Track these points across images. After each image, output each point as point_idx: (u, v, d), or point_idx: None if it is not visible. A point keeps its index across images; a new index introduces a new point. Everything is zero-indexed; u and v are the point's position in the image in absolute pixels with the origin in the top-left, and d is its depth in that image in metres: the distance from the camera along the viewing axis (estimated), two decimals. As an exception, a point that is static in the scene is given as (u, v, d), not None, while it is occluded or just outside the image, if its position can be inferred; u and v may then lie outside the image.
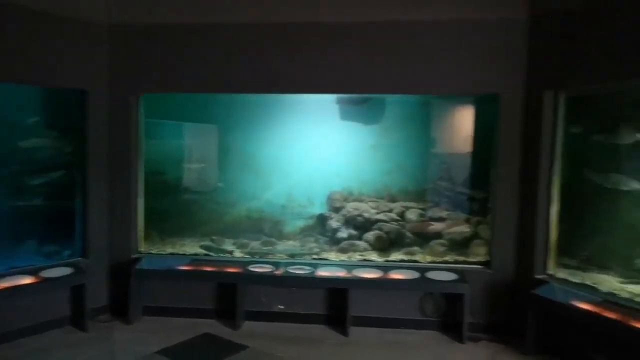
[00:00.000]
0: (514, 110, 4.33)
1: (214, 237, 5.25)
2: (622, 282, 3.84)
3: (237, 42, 4.54)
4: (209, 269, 4.51)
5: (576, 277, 4.01)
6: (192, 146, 6.12)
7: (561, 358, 3.85)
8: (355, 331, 4.33)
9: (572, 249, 4.33)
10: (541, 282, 4.05)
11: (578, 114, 4.33)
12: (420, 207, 5.49)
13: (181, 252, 4.86)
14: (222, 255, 4.90)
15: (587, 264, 4.17)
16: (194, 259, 4.68)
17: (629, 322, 3.18)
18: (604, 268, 4.15)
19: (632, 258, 3.86)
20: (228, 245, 5.13)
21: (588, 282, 3.89)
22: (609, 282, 3.84)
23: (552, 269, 4.18)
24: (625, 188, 4.01)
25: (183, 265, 4.56)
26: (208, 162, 6.18)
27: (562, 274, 4.12)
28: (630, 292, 3.60)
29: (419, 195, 5.75)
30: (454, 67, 4.35)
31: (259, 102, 5.41)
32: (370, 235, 5.13)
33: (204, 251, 4.94)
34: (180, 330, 4.29)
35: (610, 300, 3.54)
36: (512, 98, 4.32)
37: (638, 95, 4.10)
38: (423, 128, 5.74)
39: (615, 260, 4.11)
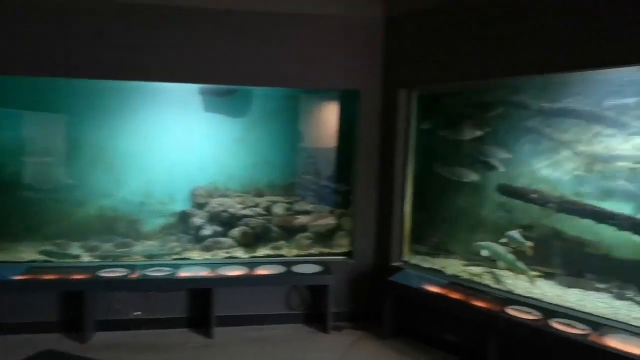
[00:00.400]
0: (373, 106, 4.51)
1: (57, 241, 4.65)
2: (465, 265, 4.22)
3: (85, 21, 4.04)
4: (49, 277, 3.96)
5: (426, 263, 4.32)
6: (34, 138, 5.34)
7: (415, 339, 4.12)
8: (220, 332, 4.17)
9: (423, 237, 4.68)
10: (397, 269, 4.29)
11: (428, 111, 4.67)
12: (287, 201, 5.49)
13: (14, 260, 4.21)
14: (67, 260, 4.35)
15: (436, 250, 4.53)
16: (31, 267, 4.09)
17: (471, 301, 3.49)
18: (450, 253, 4.54)
19: (472, 242, 4.26)
20: (75, 249, 4.58)
21: (437, 267, 4.20)
22: (454, 266, 4.20)
23: (407, 256, 4.45)
24: (466, 180, 4.42)
25: (17, 274, 3.95)
26: (55, 156, 5.45)
27: (415, 260, 4.41)
28: (470, 273, 3.98)
29: (285, 189, 5.74)
30: (318, 62, 4.40)
31: (116, 90, 4.91)
32: (235, 231, 4.98)
33: (43, 257, 4.34)
34: (17, 348, 3.71)
35: (455, 282, 3.86)
36: (371, 95, 4.50)
37: (476, 96, 4.55)
38: (290, 122, 5.73)
39: (459, 245, 4.53)
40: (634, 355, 2.50)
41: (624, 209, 3.75)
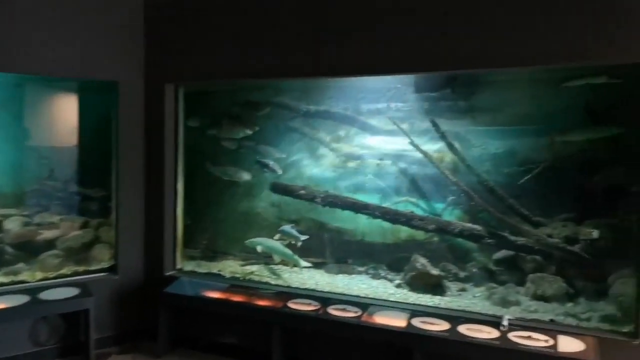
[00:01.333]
0: (136, 101, 4.04)
1: None
2: (242, 265, 4.18)
3: None
4: None
5: (203, 267, 4.12)
6: None
7: (196, 350, 3.88)
8: None
9: (198, 241, 4.45)
10: (172, 279, 3.95)
11: (197, 108, 4.45)
12: (24, 213, 4.46)
13: None
14: None
15: (212, 253, 4.37)
16: None
17: (252, 301, 3.45)
18: (227, 254, 4.44)
19: (245, 241, 4.24)
20: None
21: (214, 271, 4.04)
22: (232, 267, 4.11)
23: (181, 263, 4.15)
24: (238, 179, 4.38)
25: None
26: None
27: (190, 266, 4.15)
28: (249, 273, 3.96)
29: (19, 199, 4.66)
30: (68, 46, 3.67)
31: None
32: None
33: None
34: None
35: (235, 284, 3.77)
36: (133, 88, 4.02)
37: (243, 95, 4.55)
38: (19, 115, 4.67)
39: (235, 245, 4.47)
40: (397, 327, 2.85)
41: (373, 200, 4.30)
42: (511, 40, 2.92)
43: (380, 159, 4.38)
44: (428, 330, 2.76)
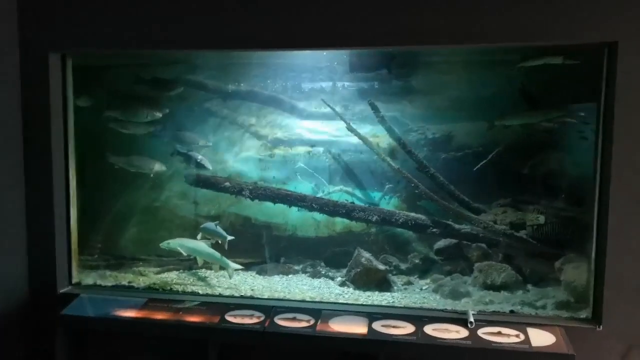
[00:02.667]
0: (9, 77, 3.14)
1: None
2: (158, 272, 3.53)
3: None
4: None
5: (109, 279, 3.40)
6: None
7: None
8: None
9: (98, 247, 3.69)
10: (69, 298, 3.18)
11: (90, 85, 3.65)
12: None
13: None
14: None
15: (118, 260, 3.64)
16: None
17: (180, 317, 2.87)
18: (136, 260, 3.75)
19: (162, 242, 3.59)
20: None
21: (124, 282, 3.35)
22: (146, 276, 3.45)
23: (79, 276, 3.38)
24: (148, 171, 3.70)
25: None
26: None
27: (90, 278, 3.41)
28: (167, 282, 3.34)
29: None
30: None
31: None
32: None
33: None
34: None
35: (154, 297, 3.13)
36: (4, 60, 3.12)
37: (150, 71, 3.84)
38: None
39: (145, 249, 3.79)
40: (359, 335, 2.52)
41: (305, 190, 3.91)
42: (455, 16, 2.65)
43: (312, 146, 3.99)
44: (394, 336, 2.46)
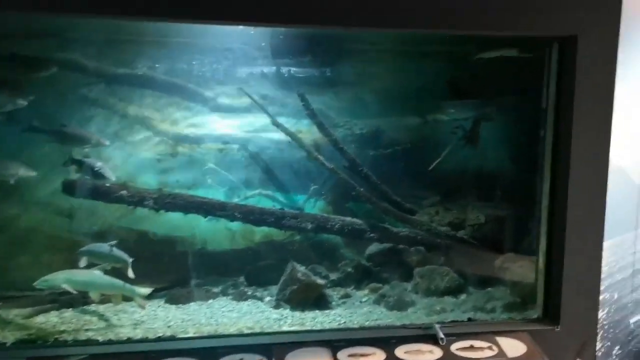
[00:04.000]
0: None
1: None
2: (30, 316, 2.62)
3: None
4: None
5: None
6: None
7: None
8: None
9: None
10: None
11: None
12: None
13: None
14: None
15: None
16: None
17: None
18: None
19: (36, 274, 2.68)
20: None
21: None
22: (16, 323, 2.53)
23: None
24: (7, 178, 2.74)
25: None
26: None
27: None
28: (51, 330, 2.48)
29: None
30: None
31: None
32: None
33: None
34: None
35: (34, 355, 2.27)
36: None
37: (9, 45, 2.87)
38: None
39: (11, 284, 2.82)
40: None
41: (217, 195, 3.31)
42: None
43: (225, 143, 3.40)
44: (368, 367, 2.07)
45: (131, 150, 3.29)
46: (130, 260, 2.65)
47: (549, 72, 2.61)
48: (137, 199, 2.89)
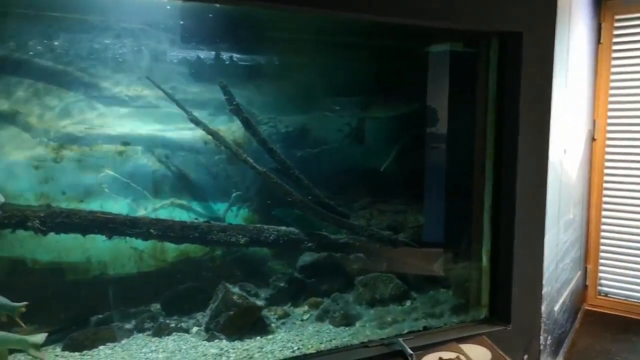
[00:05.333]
0: None
1: None
2: None
3: None
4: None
5: None
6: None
7: None
8: None
9: None
10: None
11: None
12: None
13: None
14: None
15: None
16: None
17: None
18: None
19: None
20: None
21: None
22: None
23: None
24: None
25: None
26: None
27: None
28: None
29: None
30: None
31: None
32: None
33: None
34: None
35: None
36: None
37: None
38: None
39: None
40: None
41: (119, 208, 2.72)
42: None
43: (125, 144, 2.81)
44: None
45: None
46: (19, 305, 1.96)
47: (488, 68, 2.56)
48: (17, 220, 2.17)
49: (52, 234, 2.46)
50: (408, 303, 2.85)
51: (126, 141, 2.80)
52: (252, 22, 2.80)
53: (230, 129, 3.02)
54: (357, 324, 2.65)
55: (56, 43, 2.58)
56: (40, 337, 2.00)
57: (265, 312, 2.70)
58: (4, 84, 2.57)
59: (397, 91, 3.17)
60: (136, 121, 2.84)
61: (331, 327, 2.62)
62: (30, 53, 2.51)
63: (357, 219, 3.10)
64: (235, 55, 3.01)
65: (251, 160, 2.73)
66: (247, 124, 2.78)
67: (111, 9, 2.52)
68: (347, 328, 2.60)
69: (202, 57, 2.92)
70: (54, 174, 2.66)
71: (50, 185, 2.65)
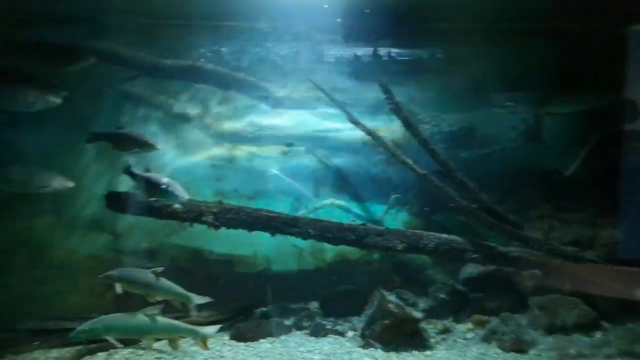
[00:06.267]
0: None
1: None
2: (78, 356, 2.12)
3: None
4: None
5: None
6: None
7: None
8: None
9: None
10: None
11: None
12: None
13: None
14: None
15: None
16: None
17: None
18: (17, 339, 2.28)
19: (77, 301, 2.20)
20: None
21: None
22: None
23: None
24: (42, 189, 2.26)
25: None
26: None
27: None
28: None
29: None
30: None
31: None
32: None
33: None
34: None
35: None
36: None
37: (36, 33, 2.38)
38: None
39: (34, 312, 2.35)
40: None
41: (282, 207, 2.77)
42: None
43: (289, 144, 2.87)
44: None
45: (180, 154, 2.78)
46: (197, 299, 2.10)
47: None
48: (194, 215, 2.36)
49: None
50: (598, 335, 2.39)
51: (290, 142, 2.88)
52: (413, 14, 2.63)
53: (390, 128, 2.90)
54: (532, 352, 2.30)
55: (227, 50, 2.76)
56: (211, 330, 2.14)
57: (423, 325, 2.51)
58: (187, 90, 2.84)
59: (584, 82, 2.68)
60: (299, 122, 2.90)
61: (499, 351, 2.33)
62: (206, 62, 2.72)
63: (533, 230, 2.70)
64: (394, 51, 2.87)
65: (410, 162, 2.56)
66: (407, 123, 2.62)
67: (275, 15, 2.58)
68: (518, 355, 2.28)
69: (360, 55, 2.86)
70: (227, 172, 2.86)
71: (224, 183, 2.86)
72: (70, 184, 2.23)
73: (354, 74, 2.86)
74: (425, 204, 2.85)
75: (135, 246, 2.69)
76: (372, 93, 2.80)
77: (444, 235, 2.58)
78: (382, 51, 2.80)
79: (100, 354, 2.17)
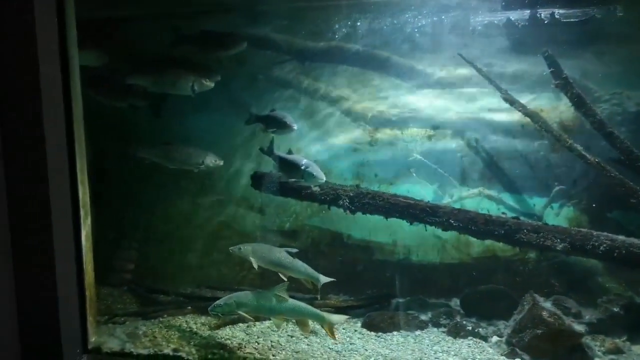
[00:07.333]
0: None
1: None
2: (215, 328, 2.28)
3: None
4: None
5: (144, 342, 2.17)
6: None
7: None
8: None
9: (120, 275, 2.56)
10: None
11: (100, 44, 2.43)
12: None
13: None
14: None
15: (158, 308, 2.42)
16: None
17: None
18: (176, 301, 2.53)
19: (229, 273, 2.35)
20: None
21: (166, 346, 2.13)
22: (198, 337, 2.20)
23: (98, 338, 2.18)
24: (194, 167, 2.45)
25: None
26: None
27: (117, 341, 2.18)
28: (230, 349, 2.08)
29: None
30: None
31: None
32: None
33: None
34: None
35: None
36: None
37: (195, 22, 2.58)
38: None
39: (188, 280, 2.61)
40: None
41: (424, 195, 2.57)
42: None
43: (434, 128, 2.65)
44: None
45: (322, 136, 2.78)
46: (323, 279, 2.09)
47: None
48: (331, 198, 2.33)
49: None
50: None
51: (436, 125, 2.68)
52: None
53: (557, 108, 2.50)
54: None
55: (372, 31, 2.65)
56: (338, 318, 2.09)
57: (587, 340, 2.13)
58: (328, 72, 2.82)
59: None
60: (447, 103, 2.67)
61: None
62: (350, 42, 2.65)
63: None
64: (560, 12, 2.44)
65: (579, 148, 2.17)
66: (578, 102, 2.22)
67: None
68: None
69: (516, 19, 2.49)
70: (368, 156, 2.79)
71: (365, 168, 2.79)
72: (221, 162, 2.38)
73: (512, 46, 2.52)
74: (596, 199, 2.40)
75: (280, 226, 2.79)
76: (535, 67, 2.44)
77: (620, 237, 2.14)
78: (545, 14, 2.40)
79: (240, 324, 2.30)
